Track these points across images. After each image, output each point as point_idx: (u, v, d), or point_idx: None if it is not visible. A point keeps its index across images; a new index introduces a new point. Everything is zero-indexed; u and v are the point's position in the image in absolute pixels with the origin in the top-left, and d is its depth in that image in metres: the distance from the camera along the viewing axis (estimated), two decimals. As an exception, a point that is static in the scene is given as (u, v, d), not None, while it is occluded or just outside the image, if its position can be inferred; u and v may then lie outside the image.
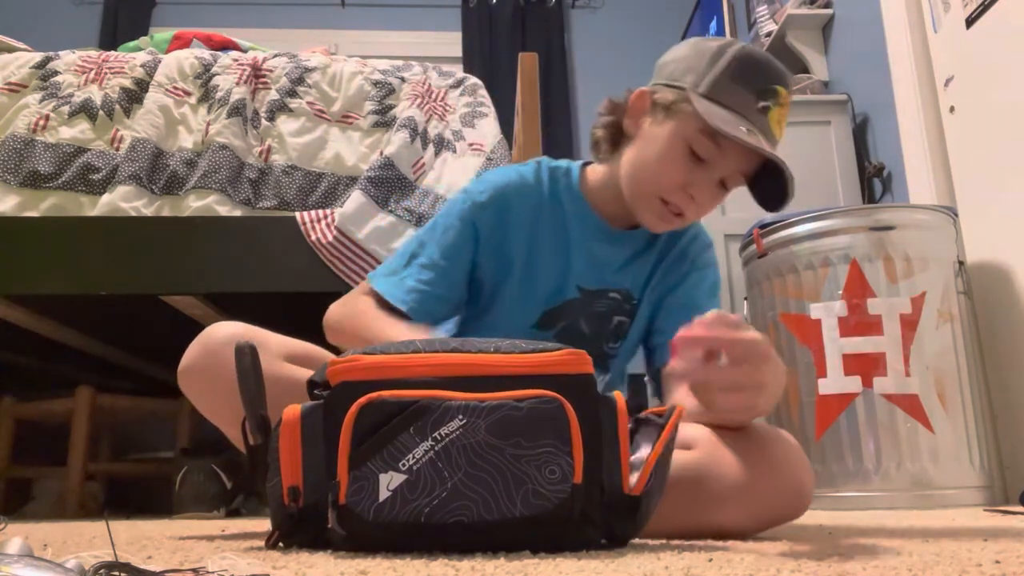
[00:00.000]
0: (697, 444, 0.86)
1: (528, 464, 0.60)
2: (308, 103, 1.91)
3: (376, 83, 1.96)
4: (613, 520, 0.66)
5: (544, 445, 0.61)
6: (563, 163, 1.06)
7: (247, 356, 0.70)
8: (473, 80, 2.02)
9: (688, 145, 0.89)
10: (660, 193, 0.92)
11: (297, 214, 1.73)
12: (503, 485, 0.60)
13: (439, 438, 0.60)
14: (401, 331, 0.91)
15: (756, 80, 0.88)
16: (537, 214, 1.01)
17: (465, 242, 1.00)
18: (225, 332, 0.88)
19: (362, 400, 0.62)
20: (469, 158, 1.85)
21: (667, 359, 1.00)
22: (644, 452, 0.69)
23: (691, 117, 0.88)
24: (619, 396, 0.68)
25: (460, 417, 0.61)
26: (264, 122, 1.88)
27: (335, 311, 1.01)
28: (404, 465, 0.60)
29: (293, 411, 0.66)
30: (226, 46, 2.21)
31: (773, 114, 0.88)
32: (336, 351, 0.84)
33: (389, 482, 0.59)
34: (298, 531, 0.66)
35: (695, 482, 0.81)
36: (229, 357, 0.84)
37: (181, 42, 2.21)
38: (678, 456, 0.82)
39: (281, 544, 0.68)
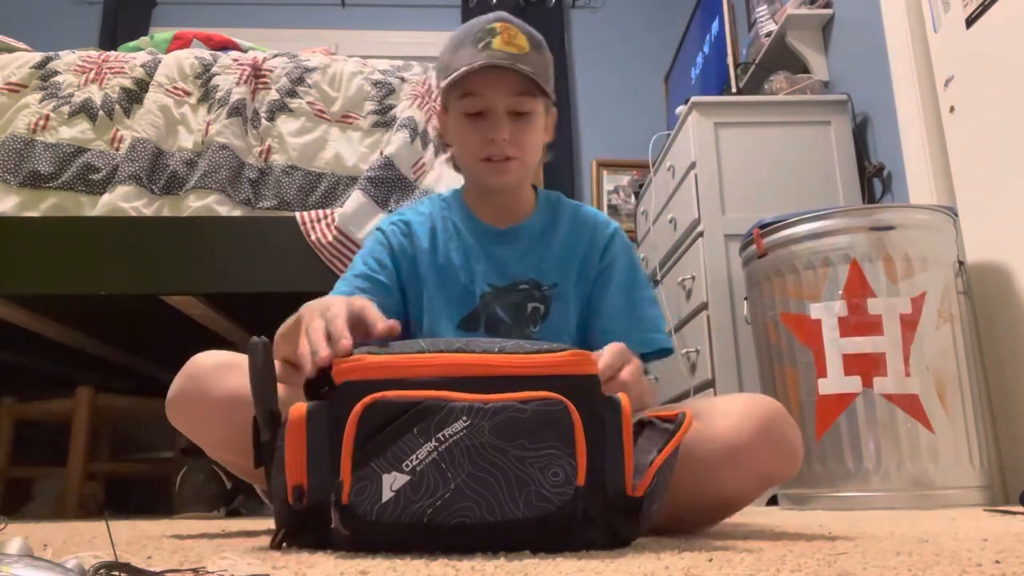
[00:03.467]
0: (693, 416, 0.88)
1: (531, 466, 0.60)
2: (308, 103, 1.91)
3: (376, 83, 1.96)
4: (615, 521, 0.66)
5: (548, 447, 0.61)
6: (449, 190, 1.22)
7: (259, 352, 0.70)
8: (473, 80, 2.02)
9: (464, 114, 1.05)
10: (478, 156, 1.06)
11: (297, 214, 1.73)
12: (506, 487, 0.60)
13: (443, 439, 0.60)
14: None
15: (469, 36, 1.04)
16: (434, 236, 1.14)
17: (387, 258, 1.11)
18: (208, 361, 0.91)
19: (366, 400, 0.61)
20: (469, 158, 1.85)
21: None
22: (648, 456, 0.69)
23: (451, 96, 1.06)
24: (624, 397, 0.69)
25: (464, 418, 0.61)
26: (264, 122, 1.88)
27: None
28: (407, 466, 0.60)
29: (299, 410, 0.66)
30: (226, 46, 2.21)
31: (495, 42, 1.01)
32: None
33: (392, 483, 0.59)
34: (303, 530, 0.66)
35: (689, 453, 0.84)
36: (213, 384, 0.88)
37: (181, 42, 2.21)
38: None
39: (285, 544, 0.68)
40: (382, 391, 0.62)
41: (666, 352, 1.12)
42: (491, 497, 0.59)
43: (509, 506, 0.59)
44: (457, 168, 1.19)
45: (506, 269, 1.11)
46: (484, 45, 1.01)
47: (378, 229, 1.16)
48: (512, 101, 1.03)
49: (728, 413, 0.88)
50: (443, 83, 1.05)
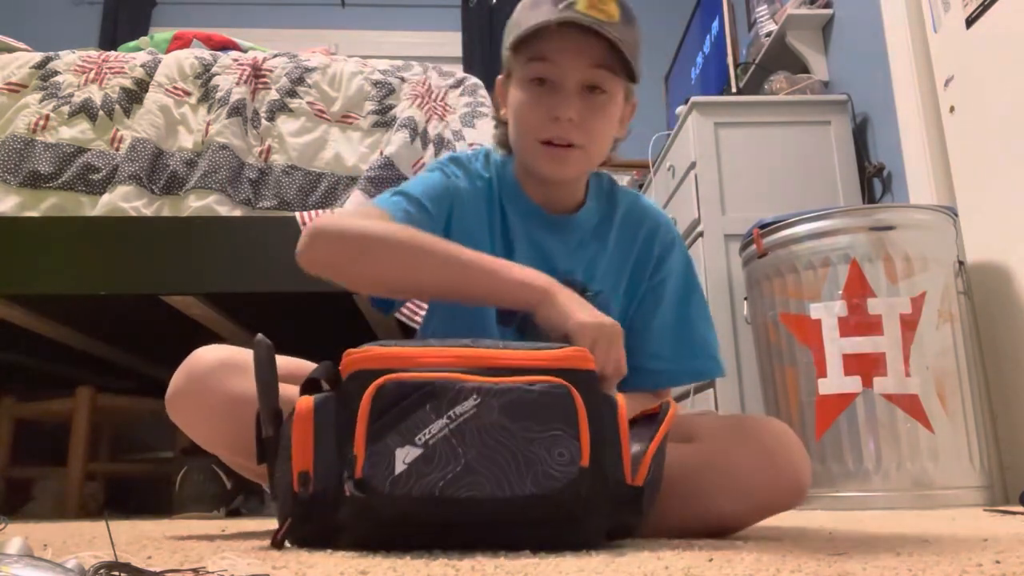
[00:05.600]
0: (696, 437, 0.87)
1: (538, 446, 0.62)
2: (308, 103, 1.91)
3: (376, 83, 1.96)
4: (619, 510, 0.68)
5: (553, 429, 0.63)
6: (501, 155, 1.03)
7: (263, 350, 0.70)
8: (473, 80, 2.02)
9: (529, 81, 0.90)
10: (537, 136, 0.91)
11: (297, 214, 1.73)
12: (514, 465, 0.62)
13: (454, 416, 0.62)
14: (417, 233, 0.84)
15: None
16: (491, 208, 0.99)
17: (444, 198, 0.96)
18: (211, 357, 0.87)
19: (380, 380, 0.63)
20: (469, 158, 1.85)
21: (669, 382, 1.00)
22: (639, 447, 0.71)
23: (518, 60, 0.91)
24: (620, 396, 0.71)
25: (474, 397, 0.63)
26: (264, 122, 1.88)
27: (326, 218, 0.88)
28: (420, 440, 0.61)
29: (306, 402, 0.67)
30: (226, 46, 2.21)
31: (581, 2, 0.86)
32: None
33: (405, 456, 0.61)
34: (307, 519, 0.66)
35: (695, 473, 0.83)
36: (215, 383, 0.85)
37: (181, 42, 2.21)
38: (678, 449, 0.83)
39: (287, 541, 0.68)
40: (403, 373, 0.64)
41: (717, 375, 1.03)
42: (500, 474, 0.61)
43: (518, 483, 0.61)
44: (506, 147, 1.01)
45: (551, 263, 0.97)
46: (567, 5, 0.86)
47: (442, 172, 0.98)
48: (588, 74, 0.88)
49: (737, 440, 0.85)
50: (509, 41, 0.90)
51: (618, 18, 0.88)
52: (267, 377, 0.71)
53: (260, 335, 0.72)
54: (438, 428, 0.62)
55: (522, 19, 0.90)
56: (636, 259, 1.01)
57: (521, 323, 0.98)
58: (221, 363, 0.86)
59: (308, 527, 0.67)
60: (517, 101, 0.92)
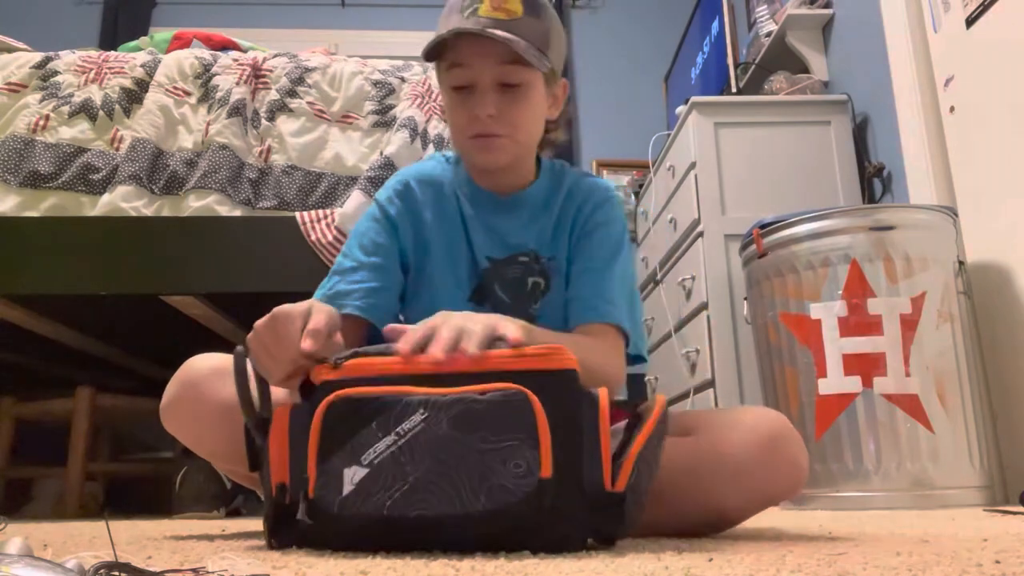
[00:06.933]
0: (693, 430, 0.88)
1: (492, 458, 0.59)
2: (308, 103, 1.91)
3: (376, 83, 1.96)
4: (598, 519, 0.64)
5: (509, 439, 0.60)
6: (455, 152, 1.13)
7: (241, 359, 0.70)
8: (473, 80, 2.02)
9: (451, 88, 0.98)
10: (465, 134, 0.99)
11: (297, 214, 1.73)
12: (467, 479, 0.59)
13: (402, 433, 0.61)
14: None
15: (459, 1, 0.95)
16: (441, 200, 1.07)
17: (384, 235, 1.04)
18: (204, 365, 0.88)
19: (329, 398, 0.63)
20: (469, 158, 1.85)
21: (577, 321, 1.00)
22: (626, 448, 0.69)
23: (439, 68, 1.00)
24: (603, 392, 0.67)
25: (421, 411, 0.61)
26: (264, 122, 1.88)
27: None
28: (366, 459, 0.61)
29: (283, 414, 0.68)
30: (226, 46, 2.21)
31: (483, 7, 0.93)
32: None
33: (353, 476, 0.60)
34: (287, 526, 0.66)
35: (693, 466, 0.84)
36: (208, 391, 0.85)
37: (181, 42, 2.21)
38: (676, 443, 0.83)
39: (274, 543, 0.68)
40: (355, 387, 0.64)
41: (622, 331, 0.99)
42: (451, 490, 0.59)
43: (470, 499, 0.59)
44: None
45: (506, 241, 1.05)
46: (471, 12, 0.93)
47: (375, 200, 1.09)
48: (499, 71, 0.94)
49: (734, 429, 0.86)
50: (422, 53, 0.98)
51: (521, 13, 0.93)
52: (247, 387, 0.70)
53: (239, 347, 0.71)
54: (384, 446, 0.60)
55: (439, 29, 0.97)
56: (573, 220, 1.07)
57: (492, 304, 1.03)
58: (214, 371, 0.86)
59: (289, 533, 0.67)
60: (447, 105, 1.01)
